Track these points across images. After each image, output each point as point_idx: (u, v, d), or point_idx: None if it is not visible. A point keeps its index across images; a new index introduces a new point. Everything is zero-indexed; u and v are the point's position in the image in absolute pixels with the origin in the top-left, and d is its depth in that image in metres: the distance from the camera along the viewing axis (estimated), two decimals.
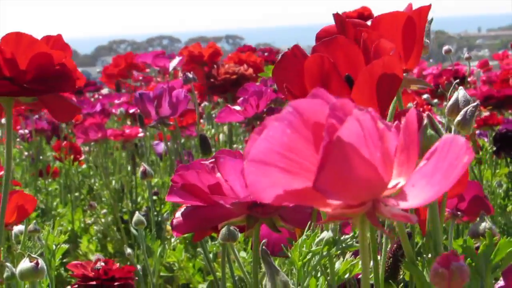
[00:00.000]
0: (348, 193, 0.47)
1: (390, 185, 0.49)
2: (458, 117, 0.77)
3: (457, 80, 0.95)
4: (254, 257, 0.90)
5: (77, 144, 2.92)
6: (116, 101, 3.97)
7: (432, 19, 0.85)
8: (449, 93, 0.82)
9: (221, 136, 2.67)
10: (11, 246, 1.35)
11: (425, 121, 0.72)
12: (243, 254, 1.65)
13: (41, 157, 2.98)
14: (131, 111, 3.39)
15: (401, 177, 0.49)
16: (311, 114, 0.47)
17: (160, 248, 1.47)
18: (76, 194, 2.84)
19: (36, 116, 3.06)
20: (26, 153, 2.99)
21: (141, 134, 2.93)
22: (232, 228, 0.95)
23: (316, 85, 0.75)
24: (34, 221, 1.32)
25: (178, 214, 0.90)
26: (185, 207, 0.90)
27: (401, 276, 1.05)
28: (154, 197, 2.39)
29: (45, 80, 0.93)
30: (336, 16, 0.81)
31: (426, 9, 0.80)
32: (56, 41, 0.96)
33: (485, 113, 2.26)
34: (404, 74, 0.81)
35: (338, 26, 0.81)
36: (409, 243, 0.86)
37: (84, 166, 3.15)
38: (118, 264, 1.34)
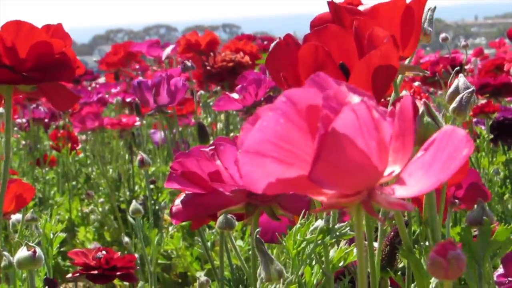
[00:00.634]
0: (344, 183, 0.47)
1: (386, 173, 0.49)
2: (454, 104, 0.77)
3: (457, 68, 0.95)
4: (252, 245, 0.90)
5: (74, 133, 2.92)
6: (113, 90, 3.97)
7: (435, 7, 0.85)
8: (449, 80, 0.82)
9: (219, 124, 2.67)
10: (8, 235, 1.35)
11: (422, 108, 0.72)
12: (239, 242, 1.65)
13: (38, 146, 2.98)
14: (128, 100, 3.39)
15: (396, 164, 0.49)
16: (304, 104, 0.47)
17: (157, 236, 1.48)
18: (74, 183, 2.84)
19: (34, 105, 3.05)
20: (23, 142, 2.99)
21: (138, 123, 2.93)
22: (229, 216, 0.95)
23: (310, 73, 0.75)
24: (32, 210, 1.32)
25: (177, 201, 0.90)
26: (184, 195, 0.90)
27: (400, 265, 1.06)
28: (152, 186, 2.40)
29: (45, 68, 0.93)
30: (331, 4, 0.80)
31: None
32: (56, 30, 0.95)
33: (482, 101, 2.26)
34: (401, 62, 0.81)
35: (333, 14, 0.80)
36: (406, 230, 0.86)
37: (81, 155, 3.15)
38: (118, 253, 1.34)
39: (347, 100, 0.46)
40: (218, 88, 2.94)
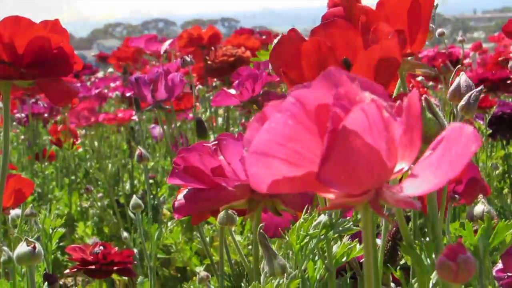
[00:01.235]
0: (352, 183, 0.47)
1: (394, 170, 0.49)
2: (462, 102, 0.77)
3: (459, 66, 0.95)
4: (254, 240, 0.90)
5: (73, 128, 2.92)
6: (112, 85, 3.97)
7: (437, 5, 0.85)
8: (450, 78, 0.82)
9: (219, 119, 2.67)
10: (8, 230, 1.35)
11: (423, 104, 0.72)
12: (238, 238, 1.65)
13: (37, 141, 2.98)
14: (128, 94, 3.39)
15: (403, 160, 0.49)
16: (313, 104, 0.46)
17: (157, 231, 1.48)
18: (73, 177, 2.84)
19: (33, 100, 3.05)
20: (22, 137, 2.98)
21: (134, 117, 2.92)
22: (230, 211, 0.95)
23: (313, 69, 0.75)
24: (31, 205, 1.32)
25: (180, 196, 0.90)
26: (187, 190, 0.90)
27: (403, 261, 1.06)
28: (151, 181, 2.39)
29: (43, 64, 0.93)
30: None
31: None
32: (54, 26, 0.95)
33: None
34: (409, 58, 0.81)
35: (346, 10, 0.80)
36: (412, 225, 0.86)
37: (80, 149, 3.15)
38: (116, 248, 1.34)
39: (357, 99, 0.46)
40: (218, 82, 2.94)
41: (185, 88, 1.89)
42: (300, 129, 0.46)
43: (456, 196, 1.14)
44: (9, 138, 0.99)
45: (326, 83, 0.48)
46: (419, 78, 2.68)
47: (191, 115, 2.76)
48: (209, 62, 2.62)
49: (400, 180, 0.52)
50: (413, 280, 0.89)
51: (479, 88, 0.77)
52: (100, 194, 2.55)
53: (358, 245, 0.88)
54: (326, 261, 0.88)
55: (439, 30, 2.23)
